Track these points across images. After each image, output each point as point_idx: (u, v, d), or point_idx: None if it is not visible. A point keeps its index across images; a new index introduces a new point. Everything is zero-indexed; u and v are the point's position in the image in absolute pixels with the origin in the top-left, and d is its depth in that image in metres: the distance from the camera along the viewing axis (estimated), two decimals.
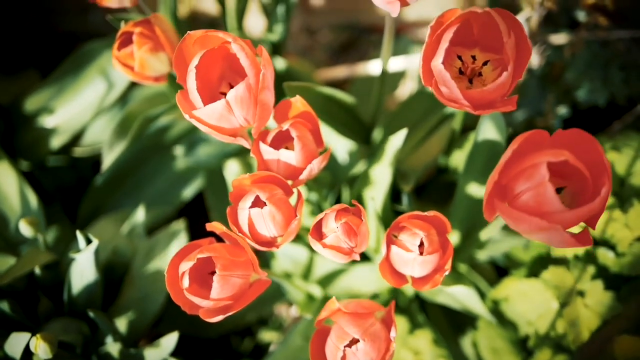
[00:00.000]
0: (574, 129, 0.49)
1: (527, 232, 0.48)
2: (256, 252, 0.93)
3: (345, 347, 0.55)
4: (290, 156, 0.57)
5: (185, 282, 0.53)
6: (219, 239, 0.58)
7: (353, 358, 0.55)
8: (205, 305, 0.54)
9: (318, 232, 0.56)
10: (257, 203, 0.55)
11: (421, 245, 0.55)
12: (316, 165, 0.57)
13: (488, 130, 0.66)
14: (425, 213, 0.55)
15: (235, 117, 0.53)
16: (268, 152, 0.57)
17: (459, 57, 0.55)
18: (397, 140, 0.67)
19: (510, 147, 0.49)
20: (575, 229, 0.50)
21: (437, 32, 0.52)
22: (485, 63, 0.55)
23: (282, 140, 0.59)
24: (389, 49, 0.68)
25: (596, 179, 0.48)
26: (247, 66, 0.52)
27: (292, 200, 0.57)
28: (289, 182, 0.58)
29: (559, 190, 0.52)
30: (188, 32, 0.53)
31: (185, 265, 0.53)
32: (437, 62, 0.51)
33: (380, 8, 0.55)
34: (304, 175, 0.57)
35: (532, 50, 0.85)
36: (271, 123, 0.61)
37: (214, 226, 0.55)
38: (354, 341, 0.55)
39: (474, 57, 0.55)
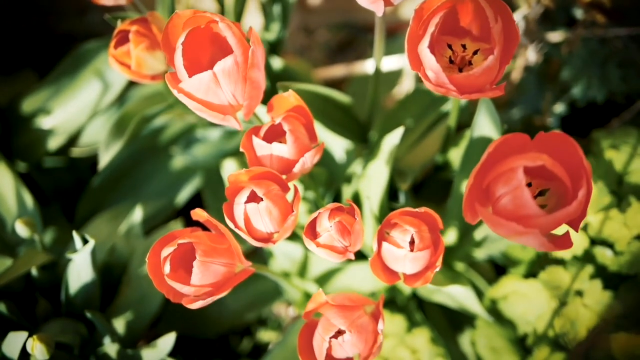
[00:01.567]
0: (555, 132, 0.49)
1: (506, 235, 0.48)
2: (254, 251, 0.93)
3: (331, 338, 0.55)
4: (282, 149, 0.56)
5: (167, 268, 0.53)
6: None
7: (339, 349, 0.55)
8: (186, 292, 0.54)
9: (312, 231, 0.56)
10: (254, 199, 0.55)
11: (412, 242, 0.55)
12: (309, 159, 0.57)
13: (484, 127, 0.66)
14: (416, 209, 0.55)
15: (223, 92, 0.53)
16: (261, 145, 0.57)
17: (450, 47, 0.56)
18: (393, 138, 0.66)
19: (487, 150, 0.49)
20: (561, 230, 0.51)
21: (423, 18, 0.52)
22: (475, 52, 0.55)
23: (274, 135, 0.58)
24: (380, 47, 0.68)
25: (575, 182, 0.48)
26: (234, 44, 0.52)
27: (289, 196, 0.57)
28: (283, 177, 0.58)
29: (543, 193, 0.52)
30: (176, 11, 0.53)
31: (166, 251, 0.53)
32: (423, 47, 0.51)
33: None
34: (296, 169, 0.57)
35: (529, 47, 0.85)
36: (264, 118, 0.61)
37: (198, 213, 0.56)
38: (341, 332, 0.55)
39: (464, 46, 0.55)
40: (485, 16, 0.51)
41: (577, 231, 0.50)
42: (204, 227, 0.58)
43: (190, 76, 0.52)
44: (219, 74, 0.52)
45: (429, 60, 0.51)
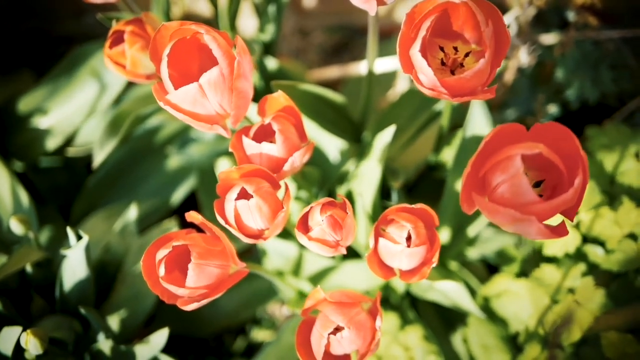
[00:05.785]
0: (552, 122, 0.50)
1: (503, 223, 0.48)
2: (248, 250, 0.94)
3: (329, 334, 0.55)
4: (272, 149, 0.57)
5: (162, 270, 0.54)
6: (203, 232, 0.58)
7: (338, 346, 0.55)
8: (181, 294, 0.54)
9: (304, 225, 0.56)
10: (244, 196, 0.55)
11: (409, 238, 0.55)
12: (298, 158, 0.57)
13: (476, 127, 0.66)
14: (413, 206, 0.55)
15: (209, 103, 0.53)
16: (250, 145, 0.57)
17: (442, 49, 0.56)
18: (385, 136, 0.67)
19: (484, 139, 0.49)
20: (556, 222, 0.51)
21: (415, 22, 0.52)
22: (467, 54, 0.56)
23: (264, 135, 0.59)
24: (374, 47, 0.69)
25: (571, 171, 0.49)
26: (219, 56, 0.52)
27: (280, 193, 0.58)
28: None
29: (538, 184, 0.53)
30: (163, 23, 0.54)
31: (162, 253, 0.54)
32: (415, 50, 0.52)
33: None
34: (286, 167, 0.57)
35: (522, 49, 0.86)
36: (254, 119, 0.61)
37: (192, 216, 0.56)
38: (339, 329, 0.55)
39: (456, 49, 0.56)
40: (476, 20, 0.52)
41: (572, 220, 0.50)
42: (199, 228, 0.59)
43: (176, 88, 0.53)
44: (204, 86, 0.52)
45: (421, 64, 0.51)
